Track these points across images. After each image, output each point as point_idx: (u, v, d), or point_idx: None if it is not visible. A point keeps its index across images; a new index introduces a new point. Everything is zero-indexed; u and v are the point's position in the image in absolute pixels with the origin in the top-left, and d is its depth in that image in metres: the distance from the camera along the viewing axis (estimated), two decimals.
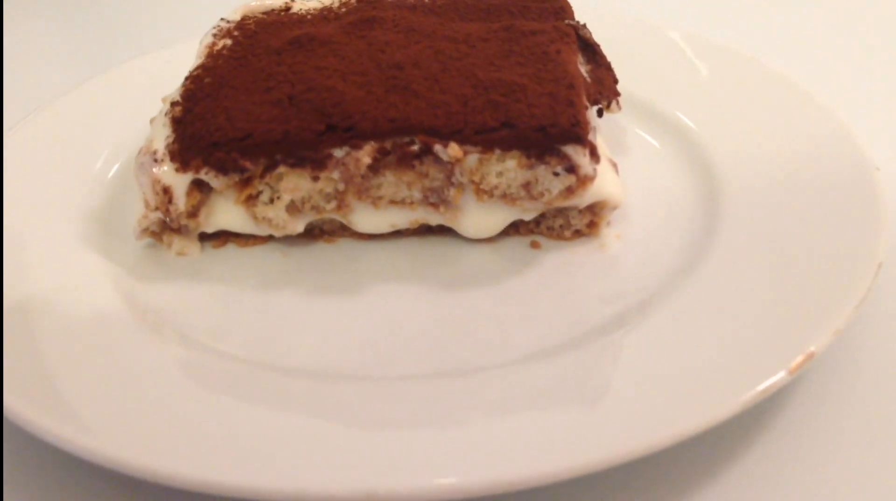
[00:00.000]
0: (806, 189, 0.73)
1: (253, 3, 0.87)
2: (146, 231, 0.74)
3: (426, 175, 0.69)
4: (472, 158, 0.68)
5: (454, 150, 0.67)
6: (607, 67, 0.79)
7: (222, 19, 0.83)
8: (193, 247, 0.75)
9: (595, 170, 0.68)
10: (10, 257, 0.71)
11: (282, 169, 0.70)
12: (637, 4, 1.16)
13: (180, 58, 0.93)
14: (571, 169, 0.68)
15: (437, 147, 0.67)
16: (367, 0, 0.86)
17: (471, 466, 0.51)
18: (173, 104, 0.72)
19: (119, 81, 0.95)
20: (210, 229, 0.74)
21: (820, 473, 0.57)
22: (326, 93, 0.69)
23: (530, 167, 0.68)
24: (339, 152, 0.68)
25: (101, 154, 0.85)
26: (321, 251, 0.75)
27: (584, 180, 0.68)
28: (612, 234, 0.75)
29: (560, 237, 0.75)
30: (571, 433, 0.53)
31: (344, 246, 0.76)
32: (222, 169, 0.70)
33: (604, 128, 0.79)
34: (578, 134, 0.66)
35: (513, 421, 0.55)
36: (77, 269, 0.72)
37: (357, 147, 0.68)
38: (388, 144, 0.68)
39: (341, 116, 0.68)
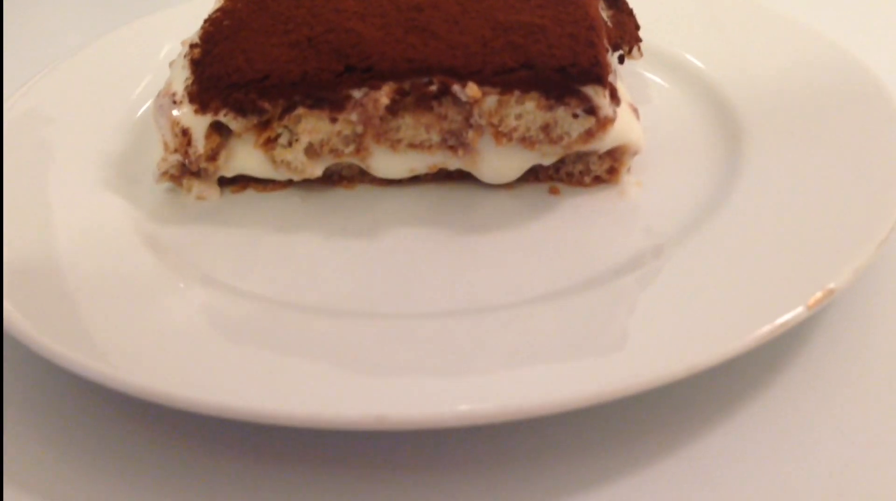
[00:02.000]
0: (827, 128, 0.72)
1: None
2: (165, 174, 0.74)
3: (445, 117, 0.69)
4: (491, 100, 0.68)
5: (472, 90, 0.66)
6: (629, 12, 0.79)
7: None
8: (213, 191, 0.75)
9: (615, 112, 0.68)
10: (31, 199, 0.71)
11: (300, 110, 0.69)
12: None
13: (207, 8, 0.95)
14: (591, 110, 0.67)
15: (456, 87, 0.67)
16: None
17: (481, 395, 0.51)
18: (192, 46, 0.72)
19: (145, 31, 0.95)
20: (229, 174, 0.75)
21: (838, 412, 0.56)
22: (345, 34, 0.69)
23: (549, 109, 0.68)
24: (357, 93, 0.68)
25: (127, 100, 0.85)
26: (340, 197, 0.75)
27: (605, 122, 0.68)
28: (632, 181, 0.74)
29: (579, 184, 0.74)
30: (585, 365, 0.53)
31: (362, 192, 0.76)
32: (241, 110, 0.70)
33: (625, 75, 0.78)
34: (599, 74, 0.65)
35: (526, 355, 0.55)
36: (97, 211, 0.72)
37: (375, 88, 0.68)
38: (406, 85, 0.68)
39: (359, 57, 0.68)
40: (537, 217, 0.71)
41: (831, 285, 0.55)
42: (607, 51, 0.70)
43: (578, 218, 0.71)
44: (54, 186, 0.74)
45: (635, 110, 0.74)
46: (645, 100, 0.83)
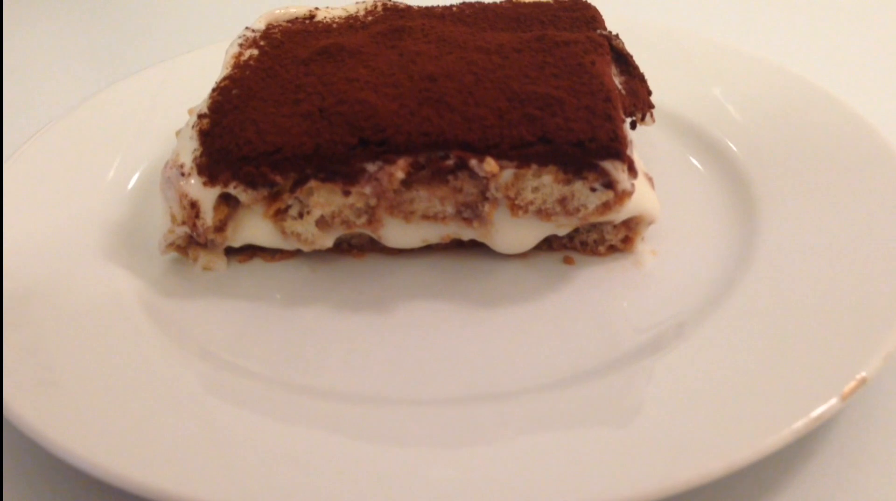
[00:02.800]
0: (846, 205, 0.71)
1: (277, 11, 0.85)
2: (171, 246, 0.72)
3: (460, 190, 0.68)
4: (508, 173, 0.67)
5: (490, 165, 0.65)
6: (641, 78, 0.78)
7: (247, 28, 0.82)
8: (220, 262, 0.74)
9: (633, 185, 0.67)
10: (32, 267, 0.70)
11: (312, 183, 0.68)
12: (663, 12, 1.14)
13: (199, 65, 0.94)
14: (609, 184, 0.66)
15: (473, 162, 0.66)
16: (393, 9, 0.85)
17: (499, 491, 0.49)
18: (200, 116, 0.71)
19: (137, 90, 0.94)
20: (237, 244, 0.73)
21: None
22: (358, 105, 0.68)
23: (567, 183, 0.67)
24: (371, 167, 0.67)
25: (120, 163, 0.84)
26: (350, 267, 0.74)
27: (622, 196, 0.67)
28: (647, 250, 0.73)
29: (594, 253, 0.73)
30: (607, 464, 0.51)
31: (373, 262, 0.74)
32: (251, 183, 0.68)
33: (637, 140, 0.77)
34: (618, 149, 0.65)
35: (544, 447, 0.53)
36: (100, 282, 0.70)
37: (390, 162, 0.66)
38: (421, 159, 0.67)
39: (374, 130, 0.66)
40: (553, 290, 0.70)
41: (863, 374, 0.54)
42: (623, 121, 0.69)
43: (595, 291, 0.70)
44: (53, 253, 0.73)
45: (650, 179, 0.73)
46: (656, 162, 0.82)
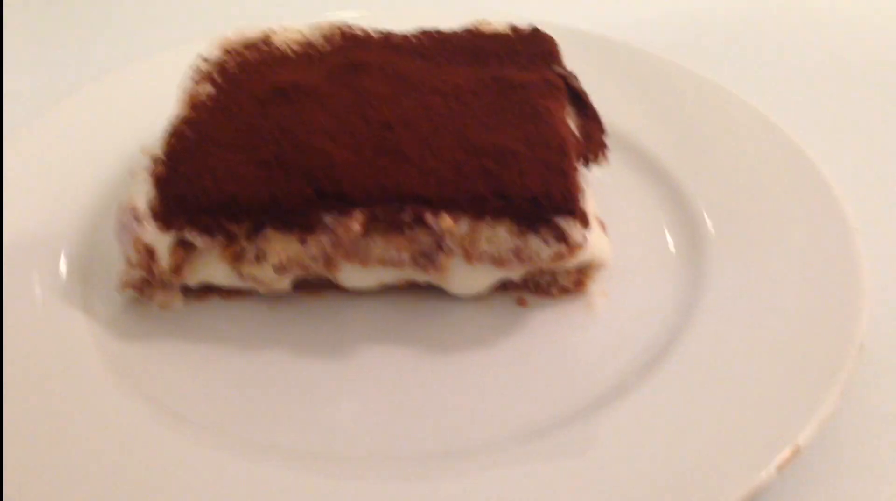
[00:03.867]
0: (788, 251, 0.74)
1: (232, 36, 0.85)
2: (127, 285, 0.72)
3: (416, 240, 0.69)
4: (463, 225, 0.68)
5: (446, 222, 0.66)
6: (595, 118, 0.79)
7: (201, 58, 0.81)
8: (176, 300, 0.74)
9: (585, 237, 0.69)
10: None
11: (268, 232, 0.69)
12: (621, 27, 1.15)
13: (159, 72, 0.91)
14: (562, 238, 0.68)
15: (429, 216, 0.66)
16: (352, 37, 0.84)
17: None
18: (155, 161, 0.70)
19: (97, 99, 0.92)
20: (193, 283, 0.73)
21: None
22: (315, 154, 0.68)
23: (521, 235, 0.68)
24: (328, 218, 0.68)
25: (82, 179, 0.83)
26: (307, 306, 0.75)
27: (574, 248, 0.69)
28: (598, 291, 0.75)
29: (547, 295, 0.75)
30: None
31: (330, 300, 0.75)
32: (208, 231, 0.68)
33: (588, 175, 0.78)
34: (571, 208, 0.66)
35: None
36: (56, 322, 0.70)
37: (347, 214, 0.67)
38: (378, 211, 0.67)
39: (330, 181, 0.67)
40: (507, 334, 0.72)
41: (798, 442, 0.57)
42: (576, 171, 0.70)
43: (548, 338, 0.72)
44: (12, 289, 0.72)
45: (602, 225, 0.75)
46: (605, 192, 0.82)
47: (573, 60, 0.82)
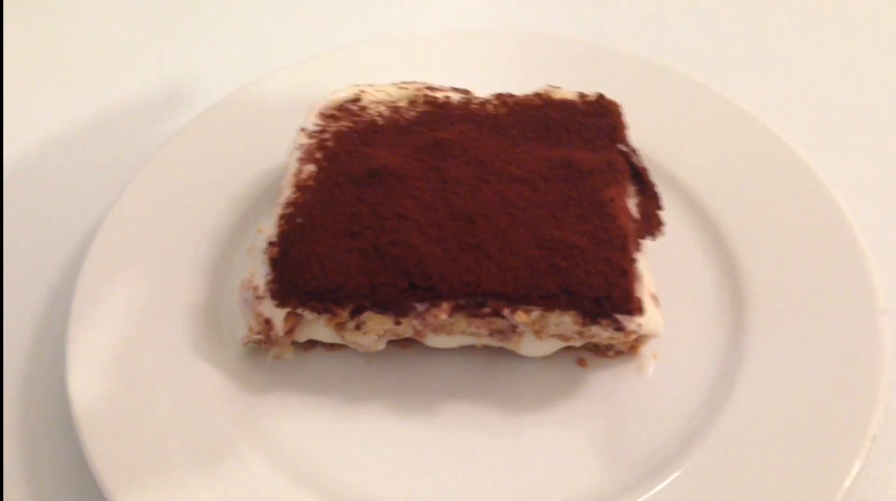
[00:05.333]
0: (814, 326, 0.83)
1: (325, 101, 0.94)
2: (249, 343, 0.86)
3: (493, 324, 0.80)
4: (535, 314, 0.79)
5: (521, 317, 0.78)
6: (654, 195, 0.88)
7: (302, 131, 0.90)
8: (287, 352, 0.87)
9: (640, 325, 0.79)
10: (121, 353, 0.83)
11: (368, 314, 0.81)
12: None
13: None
14: (619, 328, 0.79)
15: (507, 312, 0.78)
16: (434, 102, 0.93)
17: None
18: (271, 244, 0.82)
19: (214, 140, 1.02)
20: (302, 340, 0.86)
21: None
22: (408, 250, 0.79)
23: (585, 324, 0.79)
24: (419, 307, 0.79)
25: (197, 243, 0.95)
26: (397, 359, 0.87)
27: (630, 334, 0.80)
28: (649, 353, 0.86)
29: (604, 356, 0.86)
30: None
31: (417, 353, 0.87)
32: (316, 310, 0.81)
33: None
34: (629, 308, 0.77)
35: None
36: (188, 372, 0.84)
37: (436, 305, 0.79)
38: (462, 302, 0.79)
39: (422, 276, 0.78)
40: (567, 397, 0.84)
41: None
42: (635, 263, 0.80)
43: (604, 397, 0.84)
44: (146, 342, 0.86)
45: (655, 298, 0.85)
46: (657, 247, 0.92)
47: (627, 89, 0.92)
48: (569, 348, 0.86)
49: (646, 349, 0.87)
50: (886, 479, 0.79)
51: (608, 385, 0.85)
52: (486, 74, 1.06)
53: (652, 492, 0.76)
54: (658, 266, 0.88)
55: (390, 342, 0.87)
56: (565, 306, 0.78)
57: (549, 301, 0.78)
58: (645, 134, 0.96)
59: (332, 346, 0.88)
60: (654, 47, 1.22)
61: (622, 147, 0.88)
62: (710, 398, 0.82)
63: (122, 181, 0.98)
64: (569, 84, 0.96)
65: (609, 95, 0.94)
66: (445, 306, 0.79)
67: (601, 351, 0.86)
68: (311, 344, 0.88)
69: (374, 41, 1.17)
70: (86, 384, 0.80)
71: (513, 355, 0.86)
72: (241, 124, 1.04)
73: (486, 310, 0.78)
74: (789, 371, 0.82)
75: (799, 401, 0.79)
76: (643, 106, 0.97)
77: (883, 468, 0.80)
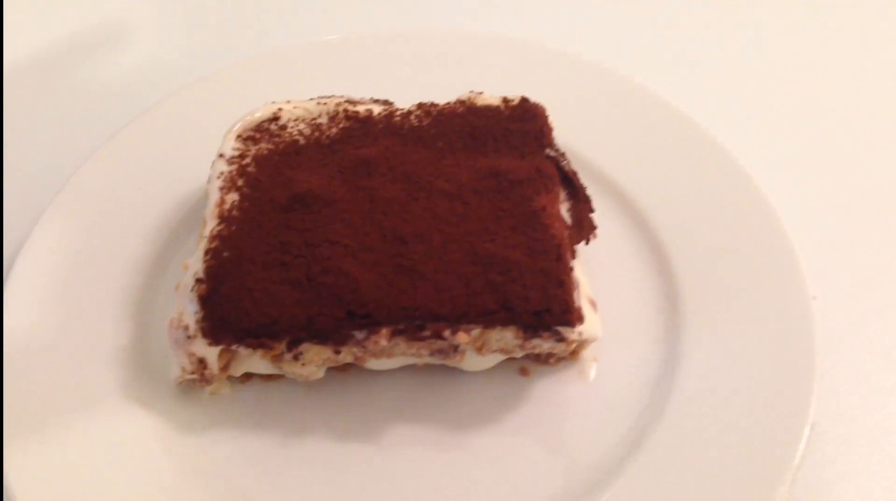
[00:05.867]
0: (748, 318, 0.85)
1: (242, 122, 0.90)
2: (182, 383, 0.83)
3: (434, 344, 0.79)
4: (475, 332, 0.78)
5: (462, 338, 0.77)
6: (585, 199, 0.88)
7: (220, 157, 0.87)
8: (224, 387, 0.84)
9: (581, 334, 0.79)
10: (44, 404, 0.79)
11: (305, 345, 0.78)
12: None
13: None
14: (560, 339, 0.79)
15: (447, 333, 0.77)
16: (355, 117, 0.90)
17: None
18: (198, 281, 0.79)
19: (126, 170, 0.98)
20: (238, 374, 0.84)
21: None
22: (342, 278, 0.77)
23: (526, 339, 0.79)
24: (358, 334, 0.77)
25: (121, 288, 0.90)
26: (337, 384, 0.85)
27: (571, 344, 0.80)
28: (589, 357, 0.87)
29: (546, 364, 0.86)
30: None
31: (357, 377, 0.86)
32: (251, 346, 0.78)
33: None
34: (569, 320, 0.76)
35: None
36: (117, 417, 0.81)
37: (374, 331, 0.77)
38: (401, 326, 0.77)
39: (358, 304, 0.76)
40: (511, 409, 0.84)
41: None
42: (571, 271, 0.80)
43: (548, 405, 0.84)
44: (68, 387, 0.82)
45: (593, 303, 0.85)
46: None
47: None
48: (510, 358, 0.85)
49: (586, 353, 0.87)
50: (823, 465, 0.81)
51: (552, 392, 0.85)
52: (405, 79, 1.04)
53: (607, 495, 0.76)
54: (592, 268, 0.89)
55: (329, 368, 0.85)
56: (505, 322, 0.77)
57: (489, 318, 0.77)
58: (570, 131, 0.96)
59: (270, 377, 0.86)
60: (567, 39, 1.21)
61: (550, 152, 0.87)
62: (652, 396, 0.83)
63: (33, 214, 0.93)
64: (486, 82, 0.95)
65: (528, 92, 0.93)
66: (384, 331, 0.77)
67: (542, 359, 0.86)
68: (248, 376, 0.86)
69: (287, 48, 1.13)
70: (12, 439, 0.77)
71: (455, 370, 0.85)
72: (149, 149, 0.99)
73: (426, 333, 0.77)
74: (728, 363, 0.83)
75: (739, 392, 0.81)
76: (565, 102, 0.96)
77: (821, 452, 0.82)
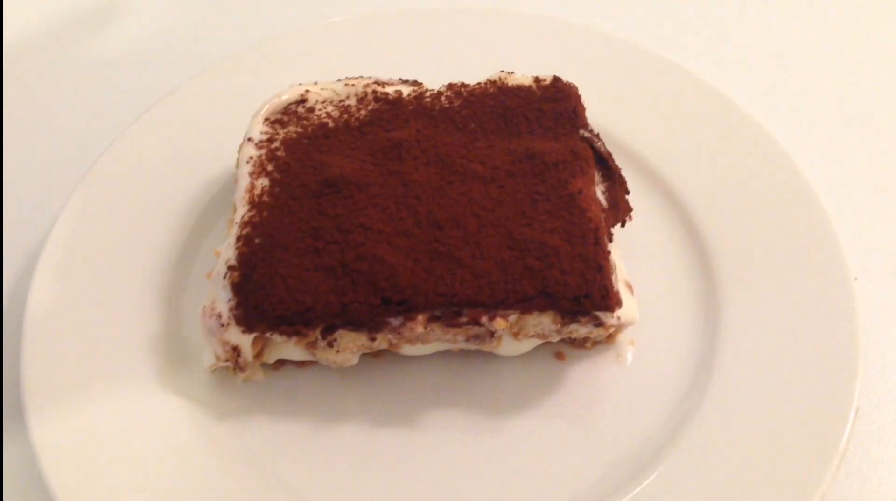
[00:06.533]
0: (791, 307, 0.83)
1: (270, 105, 0.89)
2: (216, 369, 0.82)
3: (471, 330, 0.78)
4: (512, 318, 0.77)
5: (499, 324, 0.75)
6: (620, 181, 0.86)
7: (248, 141, 0.86)
8: (258, 374, 0.84)
9: (619, 319, 0.78)
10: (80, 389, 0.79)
11: (340, 332, 0.78)
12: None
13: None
14: (598, 323, 0.77)
15: (484, 319, 0.76)
16: (384, 99, 0.89)
17: None
18: (230, 268, 0.78)
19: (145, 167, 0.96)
20: (271, 361, 0.83)
21: None
22: (378, 265, 0.75)
23: (563, 324, 0.78)
24: (394, 321, 0.76)
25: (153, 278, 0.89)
26: (371, 369, 0.84)
27: (609, 328, 0.79)
28: (626, 340, 0.86)
29: (581, 347, 0.85)
30: None
31: (391, 362, 0.85)
32: (285, 333, 0.77)
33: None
34: (608, 304, 0.75)
35: None
36: (152, 403, 0.80)
37: (411, 318, 0.76)
38: (438, 313, 0.76)
39: (394, 291, 0.75)
40: (548, 392, 0.83)
41: None
42: (609, 254, 0.78)
43: (585, 389, 0.83)
44: (103, 377, 0.82)
45: (630, 287, 0.84)
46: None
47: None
48: (546, 342, 0.84)
49: (623, 337, 0.86)
50: (868, 448, 0.80)
51: (588, 376, 0.84)
52: (434, 57, 1.02)
53: (645, 483, 0.76)
54: (628, 251, 0.88)
55: (363, 354, 0.84)
56: (543, 308, 0.76)
57: (527, 304, 0.76)
58: (603, 111, 0.94)
59: (303, 363, 0.85)
60: (607, 19, 1.18)
61: (584, 133, 0.86)
62: (691, 380, 0.82)
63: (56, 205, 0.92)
64: (514, 61, 0.93)
65: (561, 71, 0.91)
66: (421, 318, 0.76)
67: (578, 343, 0.85)
68: (282, 362, 0.85)
69: (308, 28, 1.10)
70: (49, 431, 0.76)
71: (489, 354, 0.84)
72: (173, 133, 0.98)
73: (463, 319, 0.76)
74: (769, 346, 0.82)
75: (781, 376, 0.79)
76: (598, 81, 0.95)
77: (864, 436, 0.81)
